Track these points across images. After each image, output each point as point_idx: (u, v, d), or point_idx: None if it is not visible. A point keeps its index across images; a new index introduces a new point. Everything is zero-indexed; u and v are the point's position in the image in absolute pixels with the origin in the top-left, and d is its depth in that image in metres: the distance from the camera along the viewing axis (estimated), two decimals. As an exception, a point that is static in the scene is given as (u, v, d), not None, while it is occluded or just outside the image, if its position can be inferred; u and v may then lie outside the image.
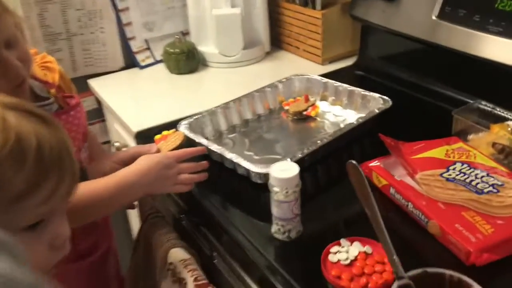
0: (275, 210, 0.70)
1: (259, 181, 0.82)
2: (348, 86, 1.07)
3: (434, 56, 1.10)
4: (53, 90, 0.82)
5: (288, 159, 0.82)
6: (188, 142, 0.89)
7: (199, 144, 0.89)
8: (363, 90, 1.04)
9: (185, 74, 1.37)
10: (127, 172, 0.76)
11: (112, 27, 1.40)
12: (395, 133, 0.97)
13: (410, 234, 0.73)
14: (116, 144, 1.15)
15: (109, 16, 1.38)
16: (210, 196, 0.84)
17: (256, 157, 0.93)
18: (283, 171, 0.68)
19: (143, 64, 1.44)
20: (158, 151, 0.83)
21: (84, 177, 0.77)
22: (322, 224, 0.77)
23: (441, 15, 1.00)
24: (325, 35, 1.32)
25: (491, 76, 0.98)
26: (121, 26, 1.40)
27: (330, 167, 0.91)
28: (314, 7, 1.32)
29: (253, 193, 0.84)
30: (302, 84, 1.14)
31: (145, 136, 1.04)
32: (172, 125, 1.06)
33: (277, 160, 0.89)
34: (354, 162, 0.66)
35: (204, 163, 0.84)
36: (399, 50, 1.23)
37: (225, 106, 1.03)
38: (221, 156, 0.87)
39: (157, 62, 1.46)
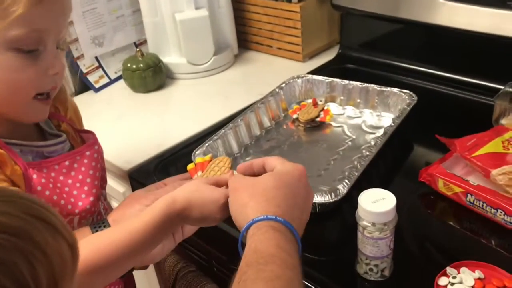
0: (368, 249, 0.58)
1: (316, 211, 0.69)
2: (359, 83, 0.96)
3: (437, 39, 1.04)
4: (64, 125, 0.67)
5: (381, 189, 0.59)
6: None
7: None
8: (378, 86, 0.94)
9: (152, 91, 1.19)
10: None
11: (55, 47, 1.17)
12: (420, 130, 0.89)
13: (506, 244, 0.65)
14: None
15: (50, 34, 1.15)
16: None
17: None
18: (376, 202, 0.56)
19: (97, 86, 1.23)
20: None
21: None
22: (406, 252, 0.65)
23: (449, -4, 0.94)
24: (303, 29, 1.21)
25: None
26: (65, 44, 1.17)
27: (386, 180, 0.78)
28: (289, 0, 1.20)
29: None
30: (302, 86, 1.02)
31: (143, 175, 0.86)
32: (173, 153, 0.90)
33: (322, 181, 0.77)
34: None
35: None
36: (388, 36, 1.15)
37: (234, 125, 0.87)
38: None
39: (112, 81, 1.26)
